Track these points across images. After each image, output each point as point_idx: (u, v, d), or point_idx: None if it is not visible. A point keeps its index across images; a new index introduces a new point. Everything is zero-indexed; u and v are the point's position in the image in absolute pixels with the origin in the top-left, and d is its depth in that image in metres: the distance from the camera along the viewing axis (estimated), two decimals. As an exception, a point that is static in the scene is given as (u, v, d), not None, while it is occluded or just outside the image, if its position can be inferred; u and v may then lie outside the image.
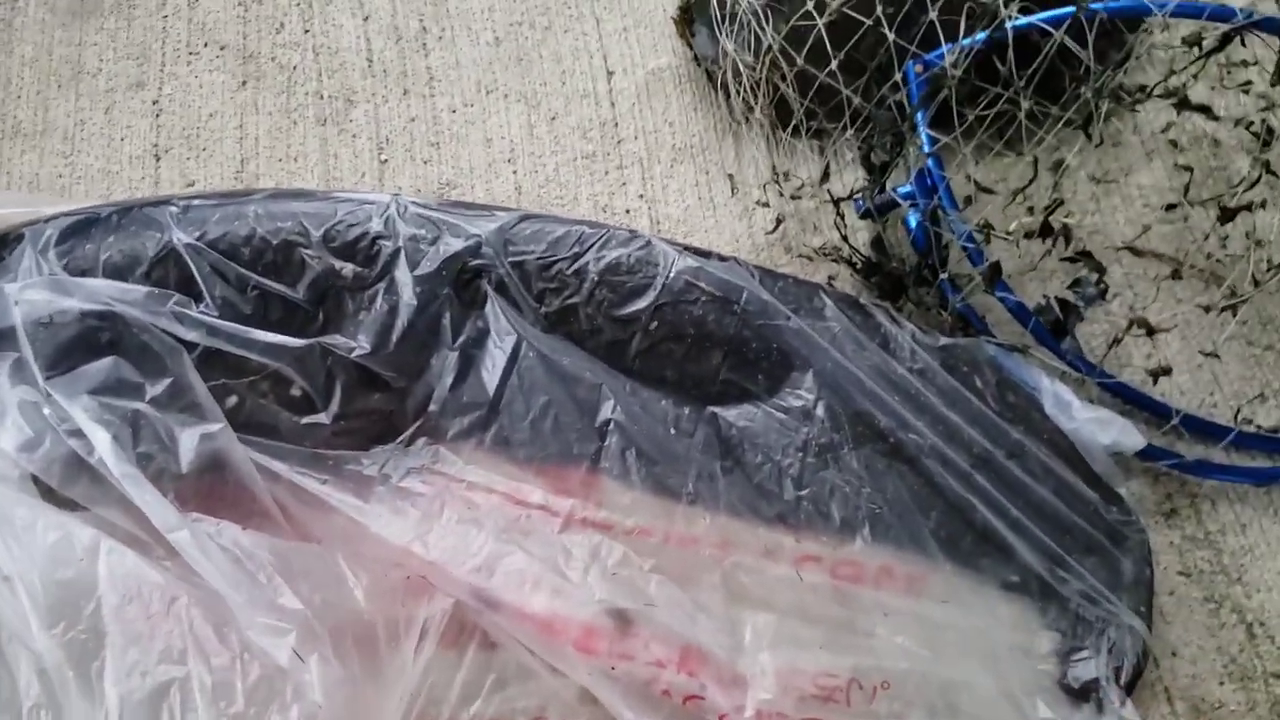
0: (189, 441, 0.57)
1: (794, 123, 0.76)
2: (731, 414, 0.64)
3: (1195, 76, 0.70)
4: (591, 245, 0.66)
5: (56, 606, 0.52)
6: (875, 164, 0.72)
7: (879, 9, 0.69)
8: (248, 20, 0.87)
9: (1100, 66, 0.65)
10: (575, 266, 0.65)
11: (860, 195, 0.74)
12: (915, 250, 0.71)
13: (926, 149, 0.68)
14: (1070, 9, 0.65)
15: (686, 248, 0.67)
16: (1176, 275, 0.72)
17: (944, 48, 0.66)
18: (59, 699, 0.51)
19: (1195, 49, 0.67)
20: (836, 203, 0.75)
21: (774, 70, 0.74)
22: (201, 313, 0.61)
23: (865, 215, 0.73)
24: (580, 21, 0.87)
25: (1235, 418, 0.71)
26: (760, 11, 0.74)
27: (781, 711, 0.57)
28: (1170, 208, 0.78)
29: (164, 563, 0.55)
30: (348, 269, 0.64)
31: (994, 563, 0.62)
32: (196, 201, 0.65)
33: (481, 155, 0.82)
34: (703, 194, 0.80)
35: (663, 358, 0.65)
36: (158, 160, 0.81)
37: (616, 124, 0.83)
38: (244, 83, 0.84)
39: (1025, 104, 0.65)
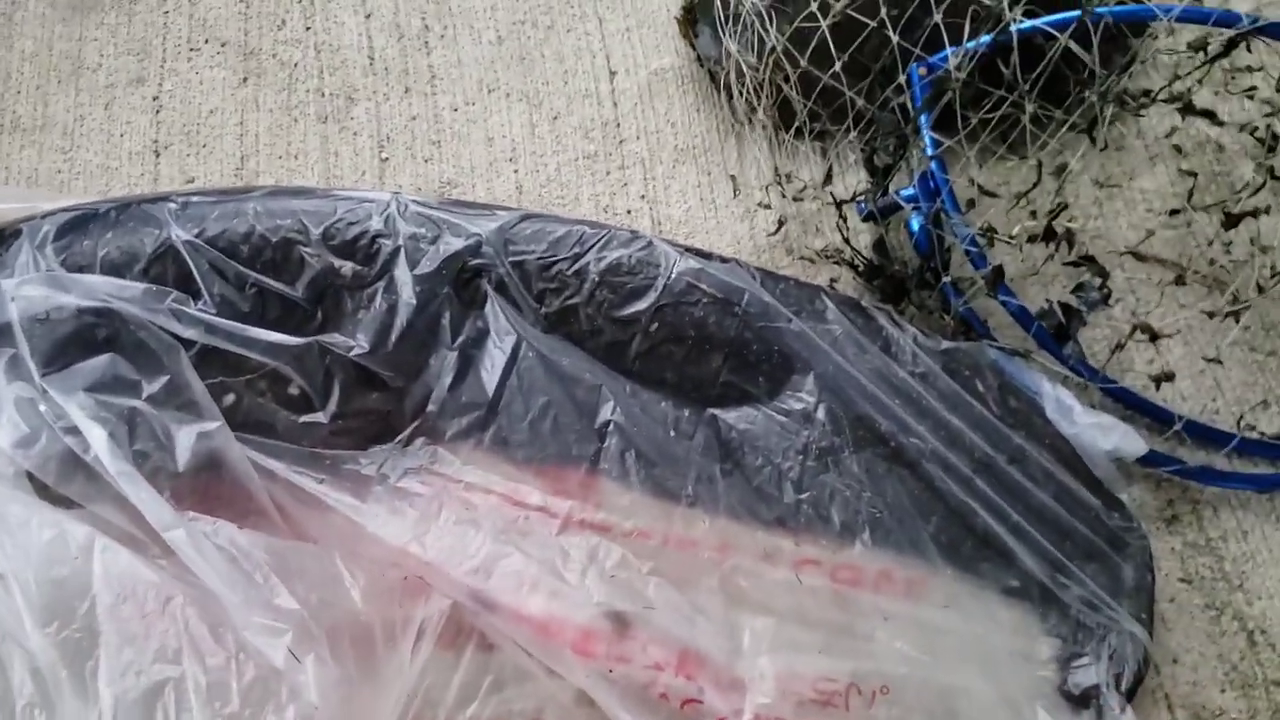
0: (186, 439, 0.57)
1: (797, 124, 0.76)
2: (732, 416, 0.64)
3: (1200, 82, 0.70)
4: (592, 246, 0.66)
5: (51, 605, 0.52)
6: (878, 166, 0.71)
7: (883, 11, 0.69)
8: (249, 17, 0.87)
9: (1105, 71, 0.65)
10: (576, 267, 0.65)
11: (863, 198, 0.73)
12: (917, 253, 0.70)
13: (930, 152, 0.67)
14: (1075, 13, 0.64)
15: (688, 249, 0.67)
16: (1180, 281, 0.72)
17: (948, 50, 0.66)
18: (53, 698, 0.50)
19: (1200, 54, 0.67)
20: (839, 205, 0.75)
21: (777, 71, 0.74)
22: (199, 310, 0.61)
23: (868, 218, 0.73)
24: (583, 21, 0.87)
25: (1238, 424, 0.71)
26: (764, 12, 0.74)
27: (780, 716, 0.56)
28: (1174, 213, 0.78)
29: (159, 561, 0.54)
30: (347, 267, 0.63)
31: (994, 568, 0.62)
32: (195, 198, 0.65)
33: (483, 154, 0.81)
34: (704, 195, 0.80)
35: (663, 359, 0.65)
36: (157, 156, 0.81)
37: (618, 124, 0.83)
38: (245, 79, 0.84)
39: (1029, 108, 0.65)
